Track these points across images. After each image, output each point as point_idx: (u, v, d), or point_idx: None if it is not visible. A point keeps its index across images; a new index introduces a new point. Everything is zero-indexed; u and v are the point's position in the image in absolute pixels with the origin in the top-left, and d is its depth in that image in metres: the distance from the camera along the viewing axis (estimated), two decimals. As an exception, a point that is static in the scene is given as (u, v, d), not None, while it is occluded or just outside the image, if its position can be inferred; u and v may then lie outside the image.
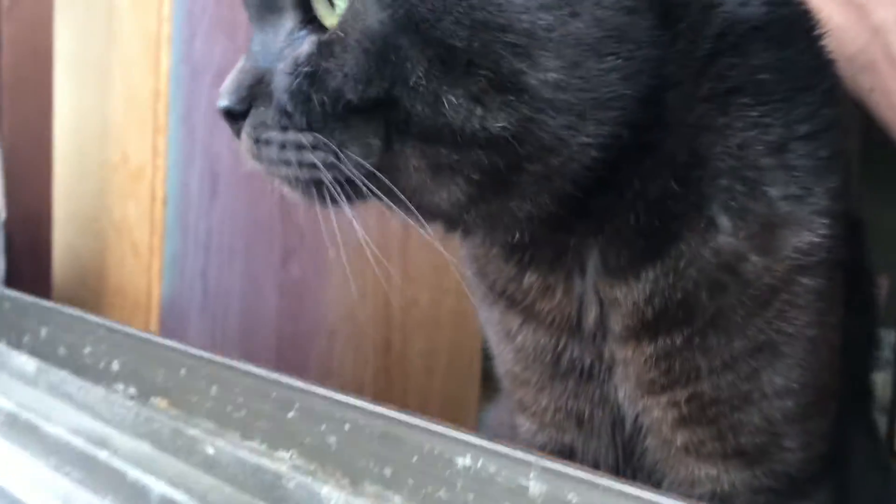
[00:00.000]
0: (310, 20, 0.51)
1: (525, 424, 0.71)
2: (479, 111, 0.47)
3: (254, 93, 0.52)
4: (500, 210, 0.53)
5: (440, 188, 0.51)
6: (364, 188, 0.50)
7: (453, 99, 0.47)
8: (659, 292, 0.57)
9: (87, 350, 0.71)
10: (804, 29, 0.62)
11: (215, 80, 1.28)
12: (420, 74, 0.47)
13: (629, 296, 0.58)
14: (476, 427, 1.59)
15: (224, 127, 1.34)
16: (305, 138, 0.50)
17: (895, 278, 2.89)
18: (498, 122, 0.47)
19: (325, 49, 0.49)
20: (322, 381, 1.42)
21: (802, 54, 0.60)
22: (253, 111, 0.52)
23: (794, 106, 0.58)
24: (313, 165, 0.50)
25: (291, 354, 1.38)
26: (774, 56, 0.57)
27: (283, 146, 0.51)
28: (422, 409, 1.56)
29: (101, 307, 1.38)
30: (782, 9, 0.60)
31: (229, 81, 0.53)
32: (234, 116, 0.53)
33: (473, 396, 1.61)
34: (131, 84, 1.31)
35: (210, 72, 1.27)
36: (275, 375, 0.55)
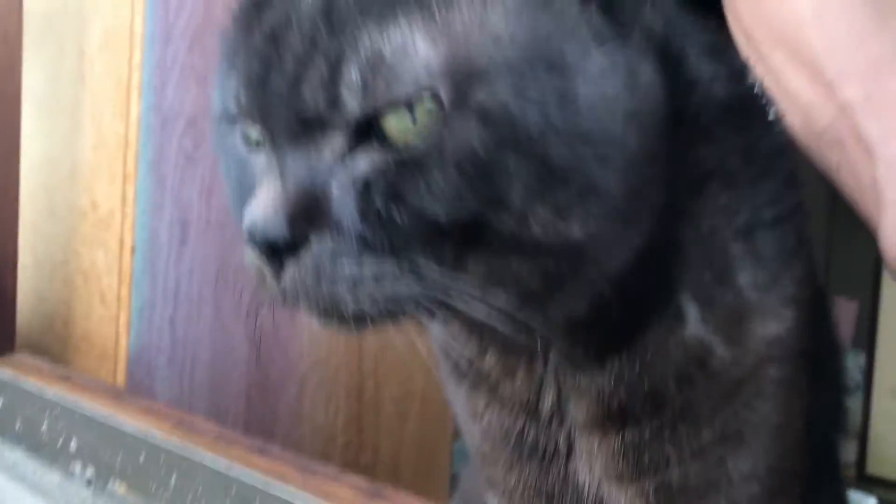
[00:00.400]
0: (363, 136, 0.46)
1: (495, 501, 0.71)
2: (561, 222, 0.46)
3: (309, 220, 0.45)
4: (536, 312, 0.51)
5: (493, 295, 0.48)
6: (428, 305, 0.47)
7: (541, 212, 0.45)
8: (625, 383, 0.57)
9: (45, 427, 0.69)
10: (763, 110, 0.63)
11: (186, 128, 1.28)
12: (517, 192, 0.45)
13: (593, 385, 0.58)
14: (449, 475, 1.57)
15: (194, 175, 1.33)
16: (388, 267, 0.45)
17: (863, 303, 2.92)
18: (576, 233, 0.46)
19: (406, 167, 0.45)
20: (292, 429, 1.41)
21: (764, 137, 0.61)
22: (314, 242, 0.45)
23: (759, 191, 0.58)
24: (393, 295, 0.45)
25: (261, 403, 1.37)
26: (741, 139, 0.58)
27: (357, 280, 0.45)
28: (395, 456, 1.55)
29: (67, 355, 1.35)
30: (743, 86, 0.61)
31: (268, 207, 0.45)
32: (278, 250, 0.45)
33: (447, 441, 1.60)
34: (101, 130, 1.30)
35: (181, 120, 1.26)
36: (236, 471, 0.54)
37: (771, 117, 0.63)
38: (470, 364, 0.63)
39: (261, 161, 0.50)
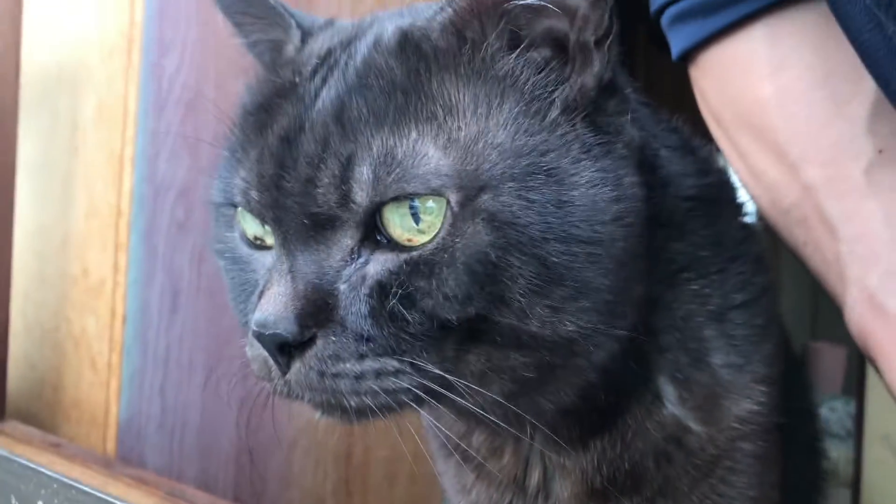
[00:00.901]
0: (369, 238, 0.49)
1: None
2: (556, 317, 0.48)
3: (317, 319, 0.47)
4: (528, 400, 0.54)
5: (489, 385, 0.51)
6: (428, 396, 0.49)
7: (539, 310, 0.48)
8: (607, 462, 0.59)
9: (40, 502, 0.70)
10: (729, 198, 0.66)
11: (178, 198, 1.30)
12: (519, 291, 0.47)
13: (577, 464, 0.60)
14: (438, 538, 1.57)
15: (185, 243, 1.35)
16: (391, 364, 0.47)
17: (851, 348, 2.93)
18: (569, 327, 0.49)
19: (415, 268, 0.47)
20: (281, 494, 1.41)
21: (731, 225, 0.64)
22: (320, 341, 0.47)
23: (728, 276, 0.61)
24: (395, 391, 0.47)
25: (250, 468, 1.37)
26: (710, 230, 0.61)
27: (360, 377, 0.47)
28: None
29: (57, 422, 1.36)
30: (711, 178, 0.64)
31: (278, 306, 0.47)
32: (286, 347, 0.47)
33: (437, 503, 1.59)
34: (93, 199, 1.32)
35: (173, 190, 1.29)
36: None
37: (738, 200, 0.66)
38: (457, 444, 0.65)
39: (266, 260, 0.53)
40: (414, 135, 0.48)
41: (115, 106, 1.29)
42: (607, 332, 0.51)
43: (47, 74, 1.45)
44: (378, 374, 0.47)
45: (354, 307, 0.48)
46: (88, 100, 1.36)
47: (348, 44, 0.54)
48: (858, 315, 0.65)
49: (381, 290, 0.48)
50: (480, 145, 0.48)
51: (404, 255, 0.48)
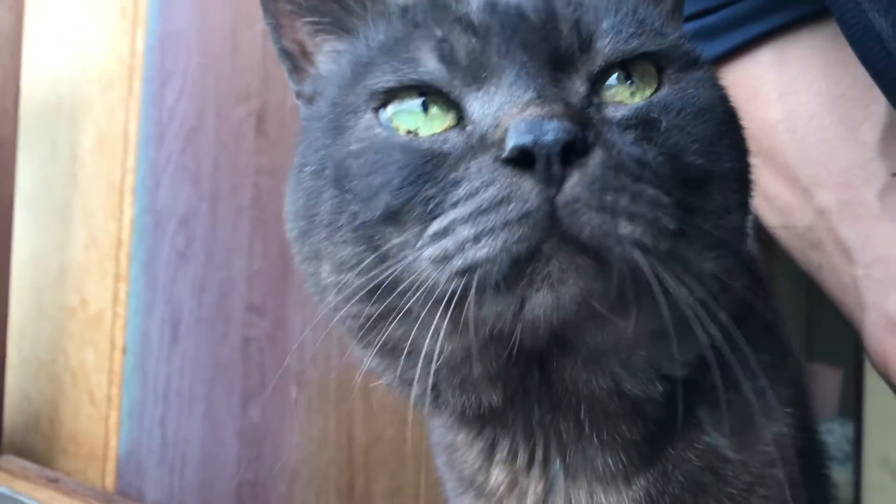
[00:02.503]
0: (592, 95, 0.48)
1: None
2: (738, 221, 0.53)
3: (590, 128, 0.43)
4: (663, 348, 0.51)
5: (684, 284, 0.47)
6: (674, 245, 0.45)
7: (732, 201, 0.50)
8: (650, 500, 0.57)
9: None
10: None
11: (178, 227, 1.29)
12: (728, 166, 0.50)
13: (618, 502, 0.57)
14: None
15: (186, 273, 1.34)
16: (663, 198, 0.44)
17: (847, 371, 2.93)
18: (740, 233, 0.54)
19: (658, 108, 0.48)
20: (283, 528, 1.38)
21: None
22: (599, 150, 0.42)
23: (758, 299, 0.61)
24: (662, 229, 0.43)
25: (252, 501, 1.35)
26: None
27: (637, 196, 0.43)
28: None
29: (54, 456, 1.33)
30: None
31: (549, 111, 0.43)
32: (563, 152, 0.41)
33: (438, 534, 1.57)
34: (93, 230, 1.31)
35: (173, 220, 1.28)
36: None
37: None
38: (475, 474, 0.63)
39: (451, 135, 0.46)
40: (635, 6, 0.52)
41: (115, 136, 1.29)
42: (742, 281, 0.52)
43: (46, 106, 1.45)
44: (653, 203, 0.43)
45: (617, 134, 0.45)
46: (88, 131, 1.35)
47: None
48: (878, 340, 0.65)
49: (638, 122, 0.47)
50: (683, 39, 0.53)
51: (635, 105, 0.48)
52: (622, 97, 0.48)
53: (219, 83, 1.34)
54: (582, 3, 0.50)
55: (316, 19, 0.56)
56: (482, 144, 0.44)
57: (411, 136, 0.47)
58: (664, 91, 0.49)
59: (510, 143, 0.41)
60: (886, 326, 0.64)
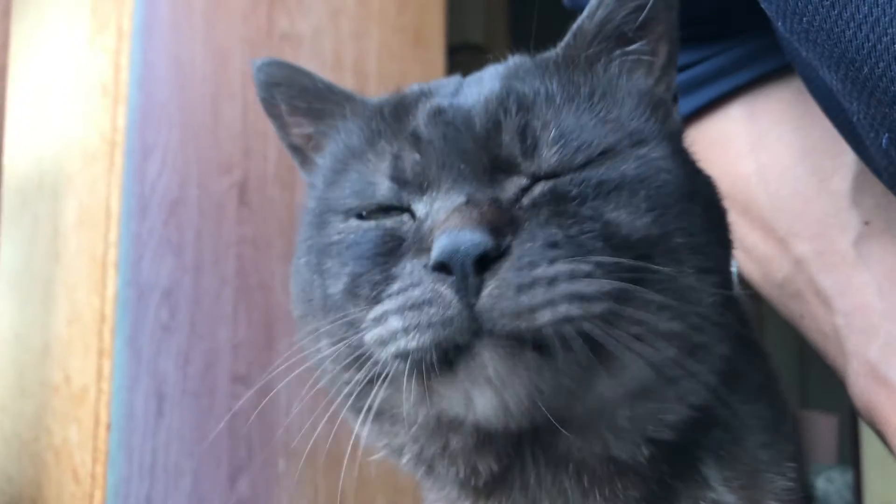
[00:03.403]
0: (537, 182, 0.52)
1: None
2: (699, 280, 0.53)
3: (505, 231, 0.47)
4: (649, 409, 0.54)
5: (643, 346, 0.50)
6: (616, 305, 0.47)
7: (687, 262, 0.52)
8: None
9: None
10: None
11: (162, 300, 1.29)
12: (679, 239, 0.52)
13: None
14: None
15: (170, 345, 1.33)
16: (581, 267, 0.46)
17: (844, 417, 2.91)
18: (707, 298, 0.53)
19: (584, 178, 0.51)
20: None
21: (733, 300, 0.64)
22: (515, 250, 0.46)
23: (748, 356, 0.61)
24: (588, 297, 0.46)
25: (241, 578, 1.32)
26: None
27: (553, 280, 0.46)
28: None
29: (37, 539, 1.30)
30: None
31: (469, 222, 0.47)
32: (481, 263, 0.46)
33: None
34: (75, 305, 1.31)
35: (157, 292, 1.28)
36: None
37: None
38: None
39: (403, 218, 0.53)
40: (577, 113, 0.54)
41: (98, 210, 1.29)
42: (716, 337, 0.53)
43: (27, 183, 1.45)
44: (571, 276, 0.46)
45: (537, 218, 0.49)
46: (69, 205, 1.35)
47: (474, 74, 0.60)
48: (861, 388, 0.65)
49: (557, 196, 0.50)
50: (627, 121, 0.56)
51: (569, 176, 0.52)
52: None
53: (200, 155, 1.35)
54: (532, 107, 0.54)
55: (312, 117, 0.63)
56: (418, 246, 0.49)
57: (379, 217, 0.54)
58: (602, 167, 0.52)
59: (433, 255, 0.46)
60: (869, 374, 0.64)
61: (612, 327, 0.47)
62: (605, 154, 0.53)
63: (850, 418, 2.90)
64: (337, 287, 0.54)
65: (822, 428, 2.85)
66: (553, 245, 0.47)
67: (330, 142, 0.63)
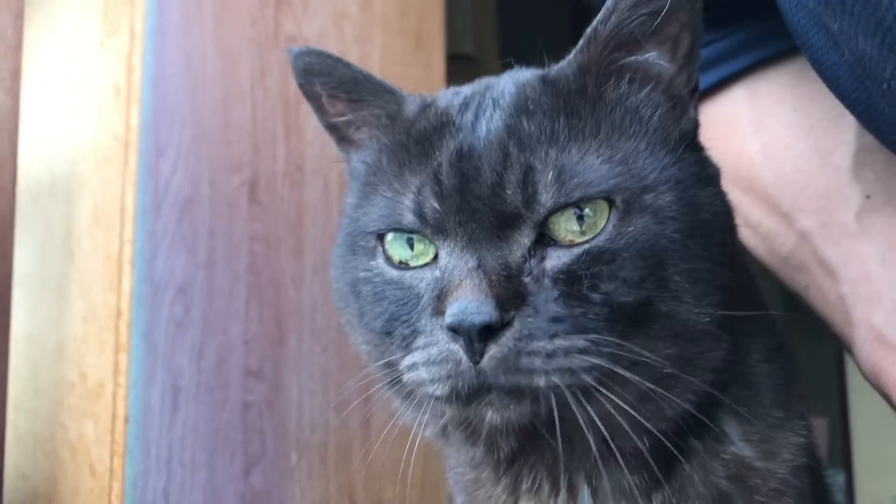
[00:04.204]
0: (541, 239, 0.55)
1: None
2: (697, 307, 0.56)
3: (511, 304, 0.52)
4: (652, 407, 0.57)
5: (642, 373, 0.54)
6: (603, 377, 0.53)
7: (687, 296, 0.55)
8: None
9: None
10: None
11: (176, 295, 1.31)
12: (676, 276, 0.55)
13: None
14: None
15: (185, 340, 1.36)
16: (579, 343, 0.52)
17: (833, 419, 2.93)
18: (704, 318, 0.56)
19: (594, 257, 0.54)
20: None
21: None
22: (517, 322, 0.52)
23: (763, 318, 0.64)
24: (581, 369, 0.52)
25: (256, 569, 1.33)
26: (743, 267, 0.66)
27: (551, 355, 0.51)
28: None
29: (53, 534, 1.32)
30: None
31: (477, 294, 0.52)
32: (486, 331, 0.52)
33: None
34: (90, 303, 1.33)
35: (171, 288, 1.30)
36: None
37: None
38: None
39: (425, 275, 0.57)
40: (581, 150, 0.56)
41: (112, 209, 1.31)
42: (720, 338, 0.57)
43: (40, 185, 1.47)
44: (567, 351, 0.52)
45: (543, 294, 0.53)
46: (83, 206, 1.38)
47: (483, 91, 0.61)
48: (868, 353, 0.68)
49: (566, 276, 0.54)
50: (634, 158, 0.57)
51: (577, 249, 0.54)
52: (572, 236, 0.55)
53: (212, 154, 1.38)
54: (534, 148, 0.56)
55: (351, 104, 0.66)
56: (435, 307, 0.55)
57: (402, 267, 0.59)
58: (604, 235, 0.55)
59: (446, 319, 0.53)
60: (875, 339, 0.67)
61: (601, 386, 0.53)
62: (612, 203, 0.55)
63: (841, 420, 2.93)
64: (375, 325, 0.60)
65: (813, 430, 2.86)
66: (555, 321, 0.53)
67: (368, 140, 0.66)
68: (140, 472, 1.24)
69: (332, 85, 0.65)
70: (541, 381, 0.52)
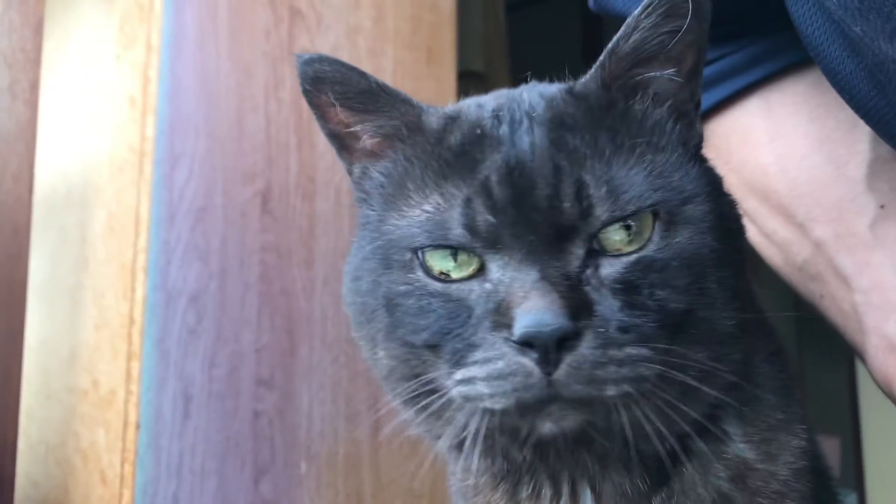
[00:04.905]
0: (592, 250, 0.56)
1: None
2: (728, 310, 0.58)
3: (581, 315, 0.53)
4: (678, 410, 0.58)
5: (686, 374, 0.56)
6: (661, 382, 0.54)
7: (721, 301, 0.57)
8: None
9: None
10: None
11: (189, 304, 1.32)
12: (713, 283, 0.57)
13: None
14: None
15: (197, 348, 1.36)
16: (643, 352, 0.53)
17: (846, 439, 2.90)
18: (730, 322, 0.58)
19: (646, 266, 0.55)
20: None
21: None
22: (589, 332, 0.52)
23: (763, 322, 0.65)
24: (644, 377, 0.53)
25: (265, 579, 1.33)
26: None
27: (621, 363, 0.52)
28: None
29: (63, 542, 1.32)
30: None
31: (551, 305, 0.52)
32: (558, 343, 0.52)
33: None
34: (103, 311, 1.34)
35: (184, 297, 1.31)
36: None
37: None
38: None
39: (472, 287, 0.56)
40: (625, 164, 0.57)
41: (126, 218, 1.33)
42: (739, 340, 0.59)
43: (55, 195, 1.49)
44: (636, 360, 0.53)
45: (606, 303, 0.54)
46: (98, 215, 1.39)
47: (511, 104, 0.61)
48: (880, 362, 0.68)
49: (623, 286, 0.55)
50: (670, 171, 0.59)
51: (626, 259, 0.55)
52: (620, 246, 0.56)
53: (225, 164, 1.39)
54: (584, 162, 0.57)
55: (362, 106, 0.64)
56: (496, 319, 0.54)
57: (444, 278, 0.58)
58: (653, 245, 0.56)
59: (517, 332, 0.52)
60: (887, 348, 0.67)
61: (657, 390, 0.55)
62: (656, 215, 0.57)
63: (853, 440, 2.91)
64: (415, 338, 0.58)
65: (825, 450, 2.85)
66: (621, 329, 0.53)
67: (387, 151, 0.64)
68: (150, 480, 1.24)
69: (346, 95, 0.64)
70: (612, 391, 0.52)
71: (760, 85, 0.76)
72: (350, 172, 0.68)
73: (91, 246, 1.40)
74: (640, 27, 0.59)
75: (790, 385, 0.64)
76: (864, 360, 0.71)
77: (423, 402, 0.58)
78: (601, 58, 0.61)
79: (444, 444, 0.62)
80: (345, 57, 1.68)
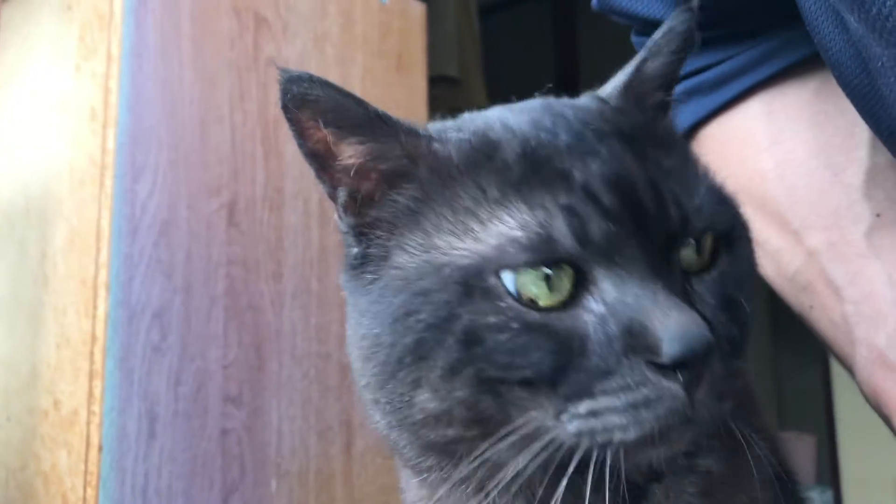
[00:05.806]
0: (686, 244, 0.55)
1: None
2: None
3: (710, 328, 0.49)
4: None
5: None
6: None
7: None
8: None
9: None
10: None
11: (153, 320, 1.29)
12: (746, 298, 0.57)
13: None
14: None
15: (161, 366, 1.33)
16: (738, 363, 0.52)
17: (821, 437, 2.92)
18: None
19: (728, 279, 0.55)
20: None
21: None
22: (718, 350, 0.50)
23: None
24: (738, 391, 0.52)
25: None
26: None
27: (729, 376, 0.51)
28: None
29: (25, 568, 1.28)
30: None
31: (697, 321, 0.48)
32: (701, 359, 0.48)
33: None
34: (65, 328, 1.30)
35: (148, 313, 1.28)
36: None
37: None
38: None
39: (578, 314, 0.50)
40: (692, 179, 0.56)
41: (87, 233, 1.29)
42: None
43: (13, 208, 1.45)
44: (736, 373, 0.52)
45: (716, 317, 0.52)
46: (58, 229, 1.35)
47: (556, 118, 0.56)
48: (869, 374, 0.67)
49: (717, 300, 0.53)
50: (711, 186, 0.59)
51: (707, 275, 0.54)
52: (688, 263, 0.54)
53: (190, 177, 1.36)
54: (671, 174, 0.54)
55: (357, 139, 0.56)
56: (629, 344, 0.48)
57: (533, 306, 0.50)
58: (724, 259, 0.55)
59: (668, 353, 0.47)
60: (877, 360, 0.66)
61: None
62: (727, 231, 0.57)
63: (828, 438, 2.93)
64: (506, 376, 0.50)
65: (800, 448, 2.87)
66: (732, 343, 0.52)
67: (396, 182, 0.56)
68: (114, 502, 1.20)
69: (338, 125, 0.55)
70: (728, 406, 0.51)
71: (763, 86, 0.75)
72: (330, 195, 0.59)
73: (51, 261, 1.36)
74: (663, 52, 0.60)
75: (750, 394, 0.63)
76: (852, 373, 0.70)
77: (474, 436, 0.52)
78: (625, 78, 0.60)
79: (458, 476, 0.55)
80: (312, 65, 1.65)
